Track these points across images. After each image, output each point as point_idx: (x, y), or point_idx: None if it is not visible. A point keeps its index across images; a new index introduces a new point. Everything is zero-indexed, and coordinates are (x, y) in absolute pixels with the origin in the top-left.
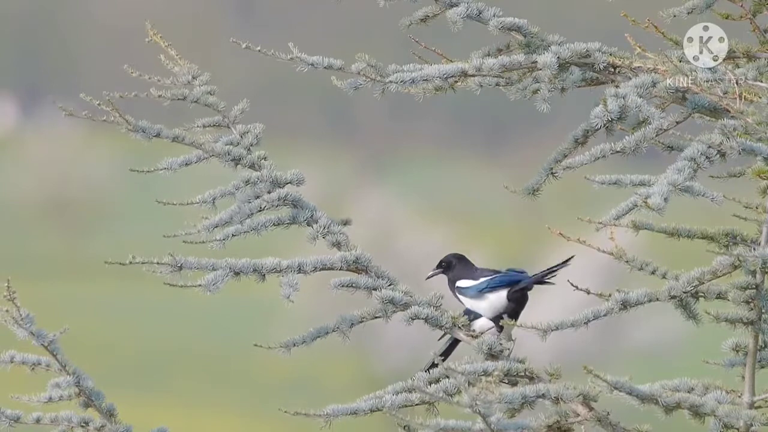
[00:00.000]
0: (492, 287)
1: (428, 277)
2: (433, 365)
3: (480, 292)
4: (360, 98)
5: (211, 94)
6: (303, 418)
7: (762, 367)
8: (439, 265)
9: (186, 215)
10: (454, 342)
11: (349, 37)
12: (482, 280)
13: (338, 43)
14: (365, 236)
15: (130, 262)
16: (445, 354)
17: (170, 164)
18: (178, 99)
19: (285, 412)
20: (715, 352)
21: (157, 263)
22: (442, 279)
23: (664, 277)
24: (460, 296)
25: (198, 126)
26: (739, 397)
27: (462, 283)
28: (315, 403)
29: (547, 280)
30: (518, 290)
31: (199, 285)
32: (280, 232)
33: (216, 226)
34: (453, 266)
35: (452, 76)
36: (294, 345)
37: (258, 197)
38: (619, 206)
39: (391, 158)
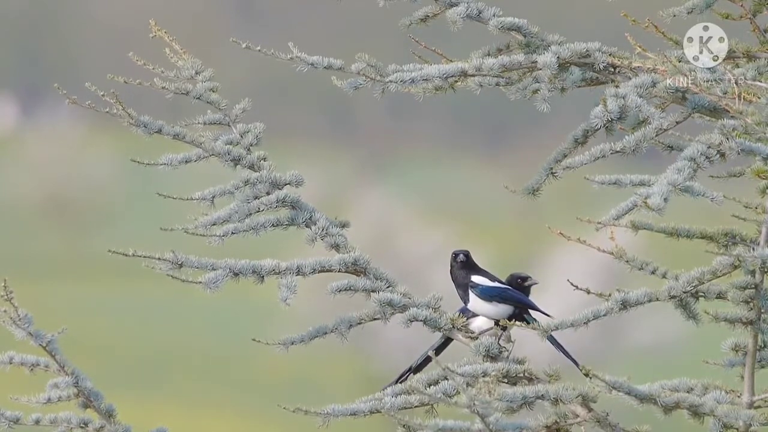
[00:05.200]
0: (504, 298)
1: (457, 260)
2: (427, 360)
3: (491, 296)
4: (360, 98)
5: (213, 91)
6: (302, 418)
7: (762, 367)
8: (464, 258)
9: (186, 216)
10: (448, 339)
11: (349, 37)
12: (497, 284)
13: (338, 43)
14: (365, 236)
15: (133, 254)
16: (438, 350)
17: (170, 160)
18: (181, 93)
19: (284, 408)
20: (715, 352)
21: (158, 258)
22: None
23: (664, 277)
24: (470, 291)
25: (199, 122)
26: (739, 397)
27: (477, 279)
28: (314, 403)
29: (546, 313)
30: (522, 310)
31: (200, 282)
32: (281, 233)
33: (214, 224)
34: (467, 262)
35: (452, 76)
36: (292, 343)
37: (257, 198)
38: (619, 206)
39: (391, 158)
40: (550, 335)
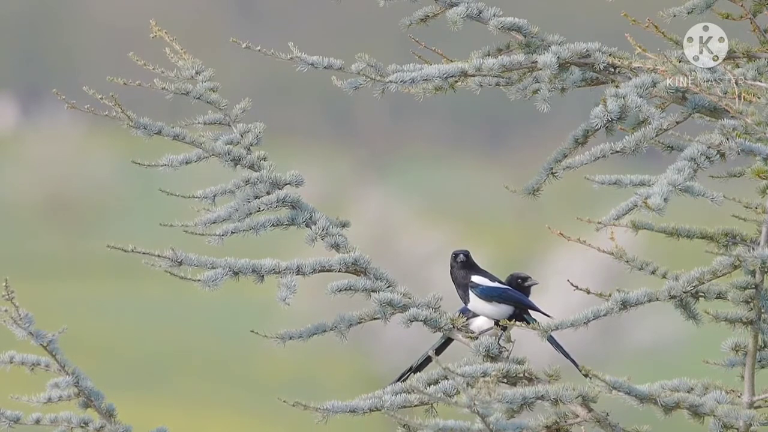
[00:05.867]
0: (504, 298)
1: (458, 260)
2: (427, 360)
3: (491, 297)
4: (360, 98)
5: (213, 91)
6: (302, 418)
7: (762, 367)
8: (464, 258)
9: (186, 216)
10: (449, 339)
11: (349, 37)
12: (497, 284)
13: (338, 43)
14: (365, 236)
15: (132, 250)
16: (439, 350)
17: (170, 161)
18: (181, 93)
19: (284, 402)
20: (715, 352)
21: (158, 255)
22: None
23: (664, 277)
24: (470, 291)
25: (199, 123)
26: (739, 397)
27: (477, 279)
28: (314, 402)
29: (546, 313)
30: (522, 310)
31: (199, 280)
32: (281, 233)
33: (214, 222)
34: (467, 262)
35: (452, 76)
36: (290, 338)
37: (257, 197)
38: (619, 206)
39: (391, 158)
40: (550, 335)
